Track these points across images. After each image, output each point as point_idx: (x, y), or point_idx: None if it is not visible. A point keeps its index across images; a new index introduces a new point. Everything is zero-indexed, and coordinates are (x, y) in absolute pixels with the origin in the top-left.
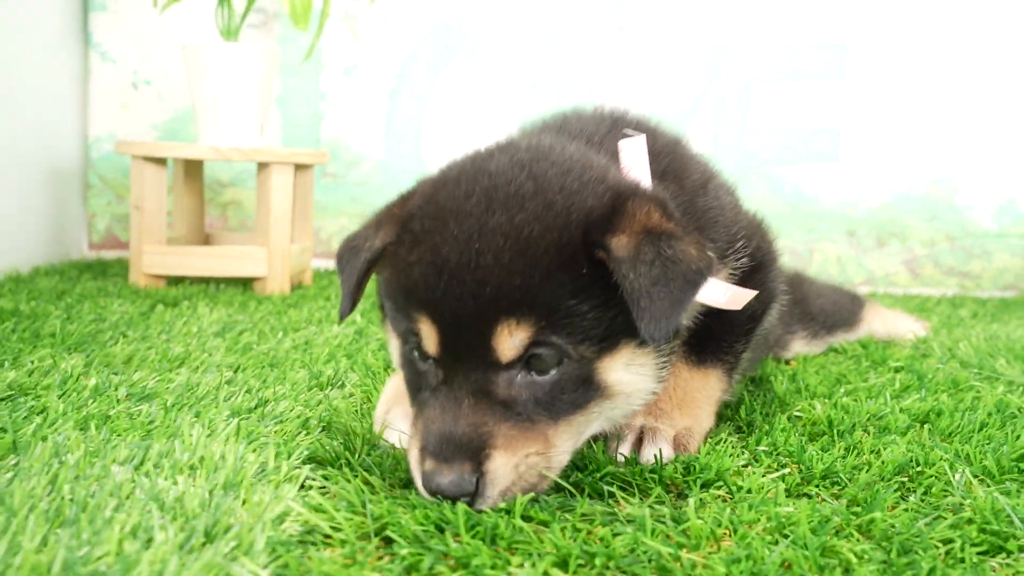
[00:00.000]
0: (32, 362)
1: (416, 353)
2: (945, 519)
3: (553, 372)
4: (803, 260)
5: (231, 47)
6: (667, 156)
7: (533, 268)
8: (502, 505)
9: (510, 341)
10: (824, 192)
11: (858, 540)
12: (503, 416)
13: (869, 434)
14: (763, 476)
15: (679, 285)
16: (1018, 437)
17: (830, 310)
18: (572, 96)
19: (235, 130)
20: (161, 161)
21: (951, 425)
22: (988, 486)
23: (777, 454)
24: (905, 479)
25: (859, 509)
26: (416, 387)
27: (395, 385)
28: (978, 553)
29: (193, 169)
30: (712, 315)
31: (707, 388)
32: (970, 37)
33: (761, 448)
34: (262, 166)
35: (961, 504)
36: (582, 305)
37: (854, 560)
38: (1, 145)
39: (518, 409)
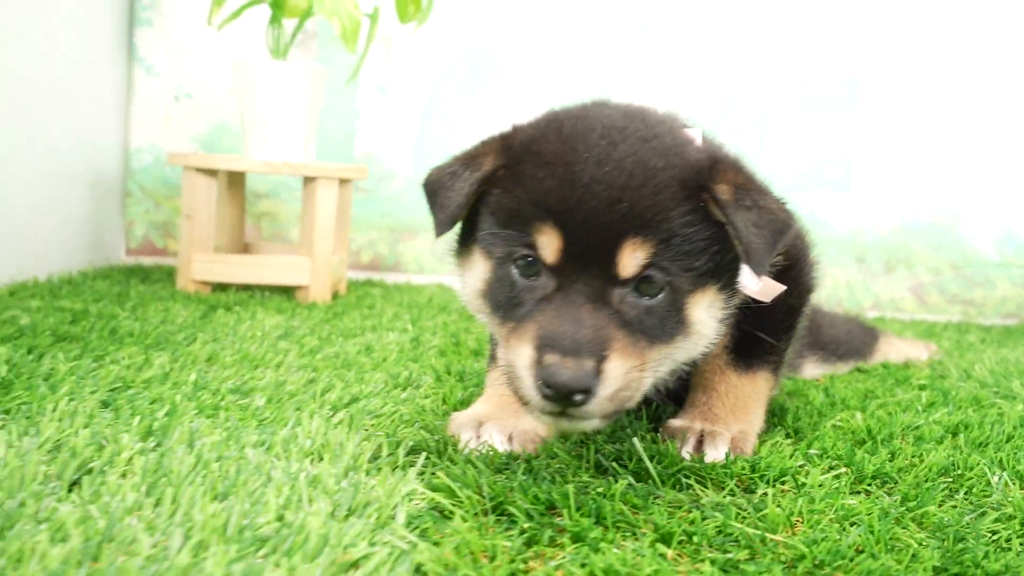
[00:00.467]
0: (123, 358)
1: (517, 271)
2: (990, 514)
3: (658, 297)
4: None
5: (282, 66)
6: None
7: (659, 196)
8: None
9: (633, 257)
10: (835, 218)
11: (916, 530)
12: (620, 325)
13: (908, 442)
14: (821, 475)
15: (772, 229)
16: None
17: (843, 339)
18: None
19: (283, 145)
20: (212, 173)
21: (980, 436)
22: (1013, 479)
23: (828, 457)
24: (948, 480)
25: (912, 504)
26: (512, 305)
27: (484, 406)
28: (1022, 543)
29: (236, 181)
30: (753, 316)
31: (756, 392)
32: (977, 73)
33: (813, 451)
34: (308, 180)
35: (1001, 502)
36: (693, 239)
37: (915, 546)
38: (46, 154)
39: (626, 322)
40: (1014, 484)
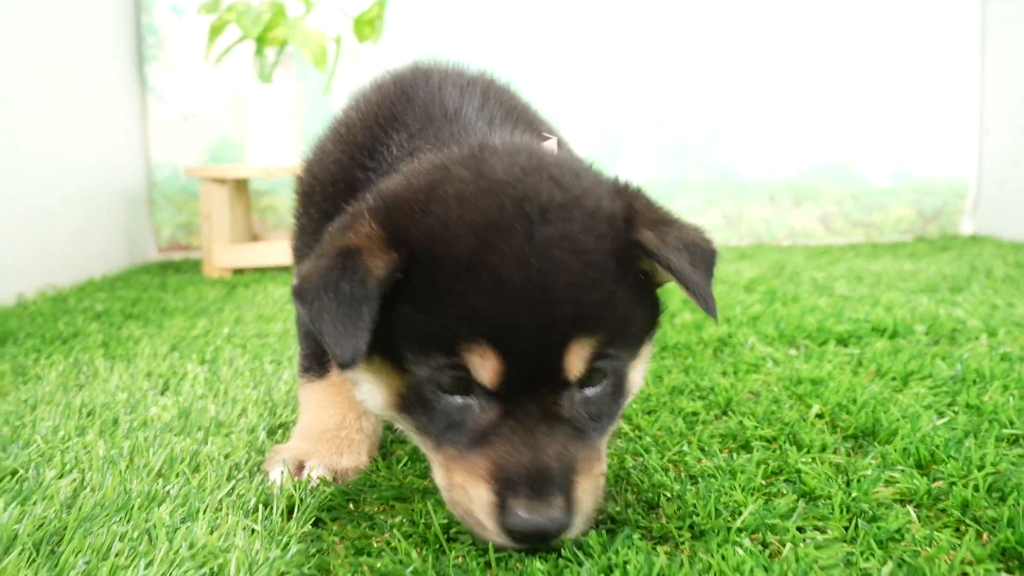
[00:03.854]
0: (175, 324)
1: (445, 391)
2: (743, 367)
3: (602, 384)
4: (734, 222)
5: (268, 88)
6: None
7: (596, 279)
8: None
9: (580, 357)
10: (747, 166)
11: (695, 395)
12: (576, 437)
13: (713, 326)
14: None
15: (707, 265)
16: (799, 321)
17: None
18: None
19: (276, 151)
20: (222, 180)
21: (765, 318)
22: (764, 344)
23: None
24: (720, 346)
25: (691, 369)
26: (447, 427)
27: (304, 440)
28: (748, 369)
29: (242, 184)
30: None
31: None
32: (861, 35)
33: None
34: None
35: (748, 356)
36: (631, 311)
37: (694, 404)
38: (83, 174)
39: (579, 426)
40: (759, 344)
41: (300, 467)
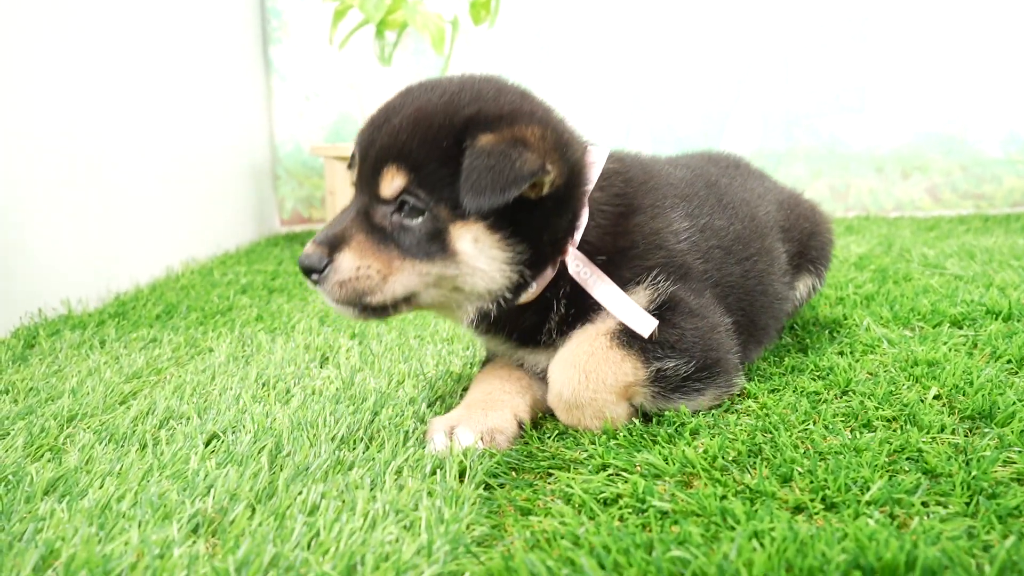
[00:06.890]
0: (317, 300)
1: None
2: (858, 347)
3: (417, 220)
4: (840, 193)
5: (388, 70)
6: (638, 181)
7: (416, 136)
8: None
9: (389, 183)
10: (853, 137)
11: (814, 375)
12: (367, 231)
13: (828, 306)
14: None
15: (501, 173)
16: (912, 302)
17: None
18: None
19: None
20: (345, 159)
21: (878, 299)
22: (880, 326)
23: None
24: (835, 327)
25: (809, 349)
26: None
27: (459, 410)
28: (864, 350)
29: None
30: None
31: (616, 367)
32: (969, 2)
33: None
34: None
35: (862, 337)
36: (445, 172)
37: (815, 384)
38: (212, 151)
39: (382, 234)
40: (874, 325)
41: (453, 432)
